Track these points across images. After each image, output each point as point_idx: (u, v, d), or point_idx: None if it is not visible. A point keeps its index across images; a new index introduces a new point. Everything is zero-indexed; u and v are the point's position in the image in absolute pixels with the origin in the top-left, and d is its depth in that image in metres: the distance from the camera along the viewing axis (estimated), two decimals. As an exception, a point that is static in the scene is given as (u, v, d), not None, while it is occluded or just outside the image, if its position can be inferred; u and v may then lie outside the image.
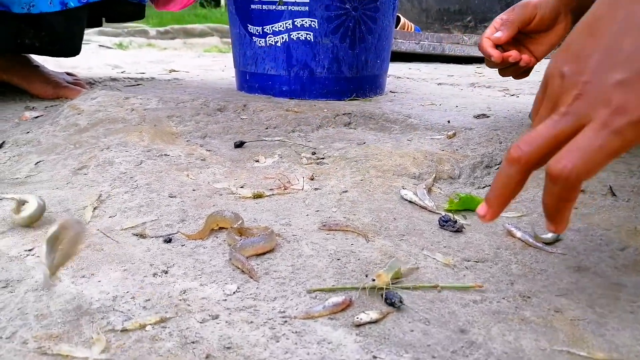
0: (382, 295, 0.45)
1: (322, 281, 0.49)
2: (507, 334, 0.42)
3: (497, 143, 0.83)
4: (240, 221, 0.58)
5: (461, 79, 1.64)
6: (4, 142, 0.90)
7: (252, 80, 1.20)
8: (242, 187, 0.73)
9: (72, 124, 0.94)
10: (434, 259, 0.54)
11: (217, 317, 0.42)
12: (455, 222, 0.61)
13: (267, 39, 1.15)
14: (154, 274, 0.49)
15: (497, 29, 0.81)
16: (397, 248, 0.56)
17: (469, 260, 0.54)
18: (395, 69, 1.86)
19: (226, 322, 0.41)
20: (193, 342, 0.39)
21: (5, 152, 0.86)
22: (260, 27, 1.14)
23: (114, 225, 0.60)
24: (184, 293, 0.46)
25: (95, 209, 0.64)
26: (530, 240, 0.58)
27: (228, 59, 2.09)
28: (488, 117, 0.96)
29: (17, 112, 1.13)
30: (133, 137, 0.88)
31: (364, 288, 0.46)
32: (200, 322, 0.41)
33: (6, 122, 1.06)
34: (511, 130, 0.86)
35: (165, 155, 0.83)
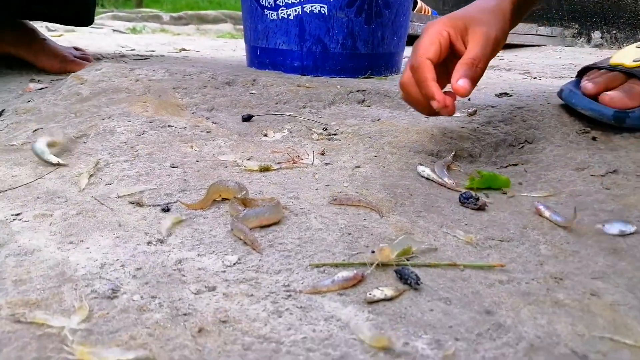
0: (396, 273, 0.41)
1: (331, 255, 0.44)
2: (538, 317, 0.37)
3: (521, 121, 0.78)
4: (245, 192, 0.54)
5: (480, 62, 1.58)
6: (3, 110, 0.87)
7: (262, 55, 1.15)
8: (248, 159, 0.69)
9: (74, 93, 0.90)
10: (455, 236, 0.49)
11: (213, 289, 0.38)
12: (478, 199, 0.56)
13: (279, 11, 1.10)
14: (148, 243, 0.45)
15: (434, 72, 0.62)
16: (414, 225, 0.51)
17: (492, 239, 0.49)
18: (408, 52, 1.79)
19: (223, 294, 0.37)
20: (185, 314, 0.35)
21: (3, 120, 0.82)
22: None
23: (109, 193, 0.56)
24: (179, 263, 0.42)
25: (91, 176, 0.61)
26: (560, 219, 0.53)
27: (241, 43, 2.05)
28: (511, 96, 0.91)
29: (21, 85, 1.10)
30: (136, 107, 0.84)
31: (372, 264, 0.41)
32: (195, 294, 0.37)
33: (9, 93, 1.03)
34: (536, 109, 0.81)
35: (169, 126, 0.79)
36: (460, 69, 0.59)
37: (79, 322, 0.33)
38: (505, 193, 0.62)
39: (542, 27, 2.36)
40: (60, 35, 2.51)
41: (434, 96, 0.60)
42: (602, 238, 0.50)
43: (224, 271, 0.41)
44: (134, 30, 3.81)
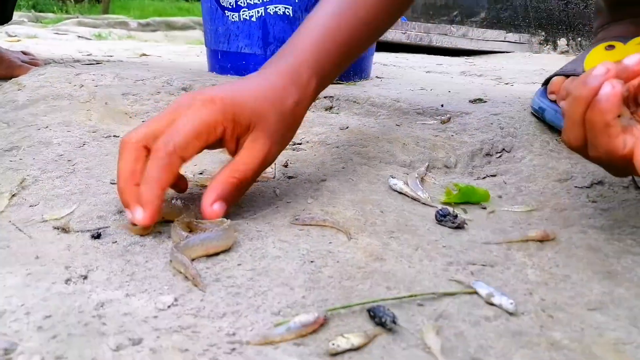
0: (368, 312, 0.34)
1: (289, 290, 0.37)
2: (534, 364, 0.31)
3: (498, 128, 0.73)
4: (191, 212, 0.46)
5: (451, 68, 1.54)
6: None
7: (224, 59, 1.08)
8: (200, 173, 0.62)
9: (8, 101, 0.81)
10: (431, 261, 0.43)
11: (139, 342, 0.31)
12: (456, 216, 0.51)
13: (241, 13, 1.03)
14: (67, 280, 0.37)
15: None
16: (386, 248, 0.45)
17: (474, 264, 0.44)
18: (382, 58, 1.75)
19: (150, 349, 0.30)
20: (97, 381, 0.27)
21: None
22: (234, 0, 1.02)
23: (32, 216, 0.48)
24: (101, 306, 0.34)
25: (13, 195, 0.52)
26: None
27: (204, 45, 1.96)
28: (485, 102, 0.86)
29: (-43, 92, 0.99)
30: (79, 115, 0.75)
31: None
32: (114, 350, 0.30)
33: (-61, 100, 0.92)
34: (513, 115, 0.76)
35: (114, 136, 0.71)
36: (220, 186, 0.45)
37: (-51, 400, 0.25)
38: (484, 208, 0.56)
39: (510, 34, 2.36)
40: (19, 41, 2.38)
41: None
42: (594, 259, 0.45)
43: (156, 316, 0.33)
44: (99, 37, 3.67)
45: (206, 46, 1.16)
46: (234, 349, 0.30)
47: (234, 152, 0.48)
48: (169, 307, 0.34)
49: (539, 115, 0.72)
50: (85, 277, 0.38)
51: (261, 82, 0.50)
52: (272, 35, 1.03)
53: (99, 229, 0.46)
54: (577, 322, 0.36)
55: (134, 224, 0.43)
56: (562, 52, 2.40)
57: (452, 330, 0.34)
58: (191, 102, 0.45)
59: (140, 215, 0.42)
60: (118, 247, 0.43)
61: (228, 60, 1.07)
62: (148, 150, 0.44)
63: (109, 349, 0.30)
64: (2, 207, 0.50)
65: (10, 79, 1.12)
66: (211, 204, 0.44)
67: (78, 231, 0.45)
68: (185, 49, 2.12)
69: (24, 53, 1.30)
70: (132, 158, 0.44)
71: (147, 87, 0.89)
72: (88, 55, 1.64)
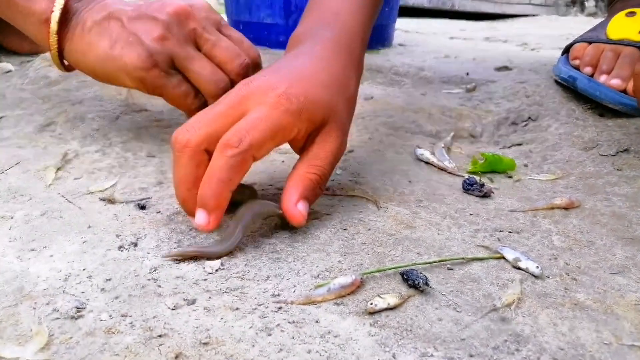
0: (402, 275, 0.36)
1: (325, 255, 0.40)
2: (559, 323, 0.33)
3: (524, 97, 0.73)
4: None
5: (474, 33, 1.52)
6: (-36, 96, 0.80)
7: (246, 30, 1.08)
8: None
9: (42, 77, 0.83)
10: (459, 228, 0.45)
11: (193, 302, 0.33)
12: (482, 185, 0.52)
13: (263, -17, 1.02)
14: (120, 247, 0.40)
15: None
16: (415, 216, 0.47)
17: (501, 231, 0.45)
18: (403, 24, 1.72)
19: (205, 308, 0.33)
20: (160, 336, 0.30)
21: (-36, 107, 0.75)
22: (255, -30, 1.02)
23: (78, 188, 0.51)
24: (154, 271, 0.37)
25: (58, 169, 0.55)
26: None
27: (224, 17, 1.96)
28: (511, 69, 0.86)
29: (-13, 67, 1.03)
30: (109, 90, 0.78)
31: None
32: (172, 309, 0.33)
33: (-27, 76, 0.95)
34: (539, 83, 0.76)
35: (145, 110, 0.73)
36: (300, 184, 0.41)
37: (36, 351, 0.28)
38: (510, 177, 0.57)
39: (535, -4, 2.29)
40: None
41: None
42: (618, 225, 0.47)
43: (205, 279, 0.36)
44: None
45: (227, 17, 1.16)
46: (280, 308, 0.33)
47: (302, 148, 0.44)
48: (216, 270, 0.37)
49: (568, 84, 0.71)
50: (136, 245, 0.41)
51: (324, 67, 0.46)
52: (293, 4, 1.03)
53: (142, 199, 0.48)
54: (600, 285, 0.38)
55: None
56: (590, 15, 2.32)
57: (480, 292, 0.36)
58: (262, 97, 0.40)
59: (205, 220, 0.38)
60: (162, 217, 0.46)
61: (250, 30, 1.08)
62: (209, 153, 0.39)
63: (167, 308, 0.33)
64: (50, 181, 0.53)
65: (36, 53, 1.15)
66: (295, 204, 0.40)
67: (123, 202, 0.48)
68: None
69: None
70: (194, 164, 0.39)
71: (173, 60, 0.90)
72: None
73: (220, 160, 0.37)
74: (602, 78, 0.67)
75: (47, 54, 0.94)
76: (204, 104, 0.54)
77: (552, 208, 0.49)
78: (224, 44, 0.53)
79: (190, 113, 0.54)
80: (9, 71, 0.99)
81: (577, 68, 0.71)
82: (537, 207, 0.49)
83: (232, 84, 0.53)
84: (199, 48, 0.53)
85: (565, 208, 0.49)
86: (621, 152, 0.60)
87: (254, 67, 0.56)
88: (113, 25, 0.53)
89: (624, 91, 0.65)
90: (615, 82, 0.65)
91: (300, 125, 0.41)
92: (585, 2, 2.35)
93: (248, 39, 0.57)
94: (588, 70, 0.69)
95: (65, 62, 0.59)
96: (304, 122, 0.41)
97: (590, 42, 0.71)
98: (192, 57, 0.52)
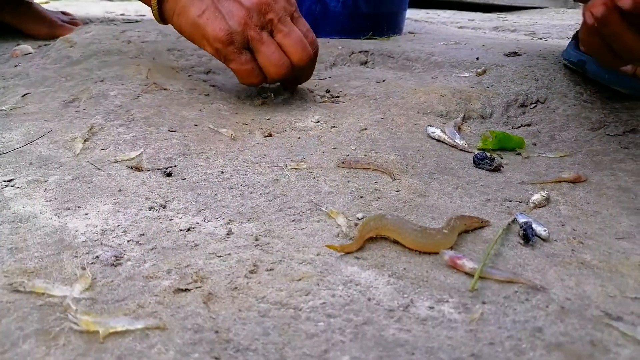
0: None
1: (344, 219, 0.42)
2: (566, 278, 0.35)
3: (533, 80, 0.75)
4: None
5: (483, 23, 1.53)
6: (-11, 75, 0.83)
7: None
8: (246, 124, 0.66)
9: (63, 57, 0.86)
10: (470, 198, 0.47)
11: (223, 254, 0.36)
12: (493, 159, 0.54)
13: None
14: (150, 208, 0.42)
15: None
16: (428, 187, 0.49)
17: (510, 201, 0.47)
18: (412, 14, 1.74)
19: (237, 260, 0.35)
20: (195, 281, 0.32)
21: (-10, 85, 0.78)
22: (269, -44, 1.04)
23: (106, 158, 0.53)
24: (185, 228, 0.39)
25: (85, 140, 0.57)
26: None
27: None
28: (520, 55, 0.87)
29: (7, 50, 1.05)
30: (130, 70, 0.80)
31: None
32: (204, 259, 0.35)
33: (-5, 58, 0.98)
34: (547, 68, 0.78)
35: (164, 89, 0.75)
36: None
37: (81, 290, 0.31)
38: (519, 154, 0.59)
39: (543, -12, 2.29)
40: (46, 2, 2.41)
41: None
42: (624, 198, 0.48)
43: (233, 234, 0.38)
44: (126, -2, 3.66)
45: None
46: (304, 260, 0.35)
47: None
48: (245, 229, 0.39)
49: (577, 68, 0.73)
50: (165, 206, 0.43)
51: None
52: (307, -9, 1.04)
53: (168, 167, 0.51)
54: (606, 248, 0.40)
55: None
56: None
57: (492, 252, 0.38)
58: None
59: None
60: (188, 183, 0.48)
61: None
62: None
63: (199, 258, 0.35)
64: (78, 150, 0.55)
65: (53, 38, 1.17)
66: None
67: (150, 170, 0.51)
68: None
69: (64, 13, 1.35)
70: None
71: (189, 43, 0.92)
72: (121, 15, 1.67)
73: None
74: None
75: (68, 36, 0.96)
76: (262, 82, 0.66)
77: (560, 181, 0.51)
78: (294, 36, 0.63)
79: (248, 85, 0.68)
80: (29, 53, 1.01)
81: (587, 53, 0.73)
82: (545, 180, 0.51)
83: (293, 70, 0.64)
84: (272, 35, 0.63)
85: (573, 182, 0.51)
86: (628, 132, 0.62)
87: (314, 58, 0.68)
88: None
89: (634, 75, 0.66)
90: (626, 67, 0.66)
91: None
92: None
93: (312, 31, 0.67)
94: None
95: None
96: None
97: None
98: (264, 42, 0.62)
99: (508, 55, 0.87)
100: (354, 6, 1.04)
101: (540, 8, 2.07)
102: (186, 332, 0.28)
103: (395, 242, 0.38)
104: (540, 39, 1.21)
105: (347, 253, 0.36)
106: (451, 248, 0.37)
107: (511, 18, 1.60)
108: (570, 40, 0.79)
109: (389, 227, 0.37)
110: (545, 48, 0.97)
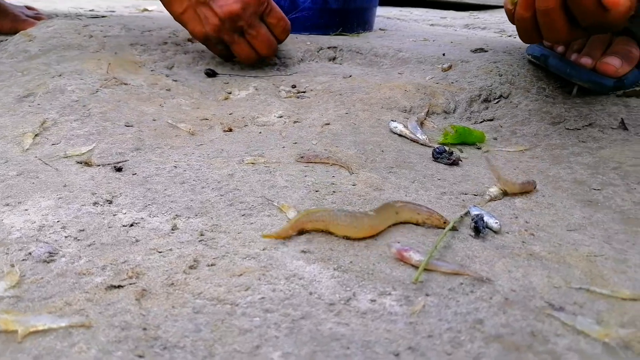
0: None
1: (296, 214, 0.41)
2: (513, 270, 0.35)
3: (497, 76, 0.75)
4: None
5: (455, 21, 1.54)
6: (-58, 69, 0.80)
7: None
8: (206, 119, 0.65)
9: (21, 51, 0.83)
10: (426, 191, 0.47)
11: (164, 250, 0.35)
12: (451, 153, 0.54)
13: (245, -37, 1.03)
14: (95, 203, 0.41)
15: None
16: (385, 181, 0.49)
17: (466, 194, 0.47)
18: (385, 11, 1.74)
19: (176, 256, 0.34)
20: (130, 277, 0.31)
21: (-59, 79, 0.75)
22: (237, -50, 1.02)
23: (56, 153, 0.52)
24: (128, 224, 0.38)
25: (36, 135, 0.56)
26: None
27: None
28: (486, 51, 0.88)
29: (-34, 45, 1.01)
30: (90, 64, 0.78)
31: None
32: (143, 256, 0.34)
33: (-49, 52, 0.94)
34: (512, 63, 0.78)
35: (125, 84, 0.73)
36: None
37: (6, 288, 0.29)
38: (479, 148, 0.59)
39: (517, -12, 2.31)
40: (14, -3, 2.35)
41: None
42: (578, 190, 0.49)
43: (178, 230, 0.37)
44: (97, -6, 3.58)
45: (210, -1, 1.16)
46: (248, 255, 0.34)
47: None
48: (191, 224, 0.38)
49: (540, 62, 0.73)
50: (111, 202, 0.42)
51: None
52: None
53: (119, 162, 0.49)
54: (556, 240, 0.40)
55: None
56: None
57: (441, 243, 0.38)
58: None
59: None
60: (138, 178, 0.46)
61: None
62: None
63: (138, 255, 0.34)
64: (27, 145, 0.53)
65: (16, 33, 1.14)
66: None
67: (100, 165, 0.49)
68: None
69: (28, 8, 1.31)
70: None
71: (154, 37, 0.90)
72: (90, 11, 1.64)
73: None
74: (573, 56, 0.69)
75: (28, 30, 0.93)
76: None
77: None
78: (260, 37, 0.76)
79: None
80: (-12, 48, 0.98)
81: (550, 48, 0.73)
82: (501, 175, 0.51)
83: (261, 58, 0.80)
84: (244, 34, 0.76)
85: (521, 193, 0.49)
86: (586, 126, 0.62)
87: (276, 47, 0.82)
88: None
89: (593, 69, 0.67)
90: (585, 60, 0.67)
91: None
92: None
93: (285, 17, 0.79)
94: (560, 49, 0.72)
95: None
96: None
97: None
98: (236, 42, 0.76)
99: (474, 51, 0.88)
100: (323, 2, 1.04)
101: (514, 7, 2.10)
102: (112, 329, 0.26)
103: (344, 235, 0.37)
104: (509, 36, 1.22)
105: (284, 238, 0.36)
106: (379, 234, 0.36)
107: (483, 16, 1.61)
108: None
109: (321, 220, 0.36)
110: (512, 45, 0.98)
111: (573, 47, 0.70)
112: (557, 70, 0.71)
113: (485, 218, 0.41)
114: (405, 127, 0.62)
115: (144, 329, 0.27)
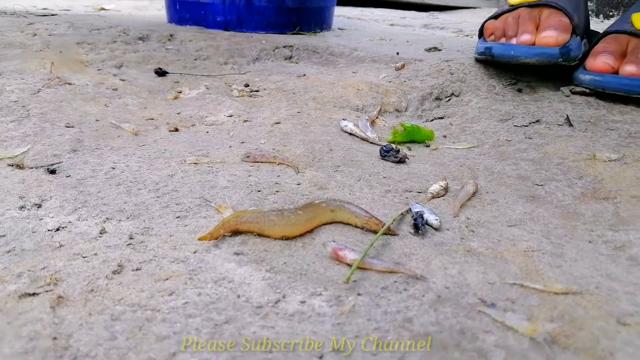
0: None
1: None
2: (449, 267, 0.35)
3: (449, 74, 0.76)
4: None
5: (414, 21, 1.55)
6: None
7: (182, 9, 1.06)
8: (152, 118, 0.63)
9: (-42, 50, 0.79)
10: (371, 189, 0.46)
11: (88, 255, 0.33)
12: (398, 151, 0.54)
13: (199, -39, 1.01)
14: (21, 207, 0.39)
15: None
16: (330, 179, 0.48)
17: (410, 192, 0.47)
18: (347, 11, 1.74)
19: (99, 261, 0.32)
20: (48, 284, 0.29)
21: None
22: (191, -53, 1.00)
23: (-15, 156, 0.49)
24: (54, 228, 0.36)
25: (-34, 138, 0.53)
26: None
27: None
28: (440, 50, 0.88)
29: None
30: (32, 64, 0.75)
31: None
32: (65, 261, 0.32)
33: None
34: (464, 62, 0.79)
35: (69, 84, 0.71)
36: None
37: None
38: (428, 146, 0.60)
39: (478, -10, 2.36)
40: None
41: None
42: (522, 186, 0.49)
43: (106, 233, 0.36)
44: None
45: (165, -3, 1.14)
46: (177, 258, 0.33)
47: None
48: (121, 227, 0.36)
49: (487, 56, 0.73)
50: (39, 206, 0.40)
51: None
52: (231, -16, 1.02)
53: (53, 164, 0.47)
54: (496, 236, 0.40)
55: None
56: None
57: (379, 242, 0.37)
58: None
59: None
60: (71, 180, 0.44)
61: (187, 10, 1.06)
62: None
63: (59, 260, 0.32)
64: (-45, 148, 0.50)
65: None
66: None
67: (32, 167, 0.47)
68: (147, 4, 2.06)
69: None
70: None
71: (102, 36, 0.88)
72: (44, 9, 1.58)
73: None
74: (513, 41, 0.70)
75: (-34, 28, 0.89)
76: None
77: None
78: None
79: None
80: None
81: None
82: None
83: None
84: None
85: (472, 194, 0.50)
86: (533, 122, 0.63)
87: None
88: None
89: (534, 44, 0.67)
90: (524, 37, 0.68)
91: None
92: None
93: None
94: (502, 41, 0.72)
95: None
96: None
97: (496, 17, 0.75)
98: None
99: (429, 50, 0.88)
100: (279, 1, 1.03)
101: (474, 8, 2.14)
102: (19, 340, 0.25)
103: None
104: (466, 35, 1.23)
105: (216, 239, 0.35)
106: (311, 231, 0.36)
107: (443, 17, 1.63)
108: (478, 38, 0.80)
109: (251, 221, 0.35)
110: (466, 44, 0.99)
111: (509, 34, 0.71)
112: (502, 57, 0.70)
113: (426, 215, 0.40)
114: (356, 125, 0.62)
115: (54, 338, 0.25)
